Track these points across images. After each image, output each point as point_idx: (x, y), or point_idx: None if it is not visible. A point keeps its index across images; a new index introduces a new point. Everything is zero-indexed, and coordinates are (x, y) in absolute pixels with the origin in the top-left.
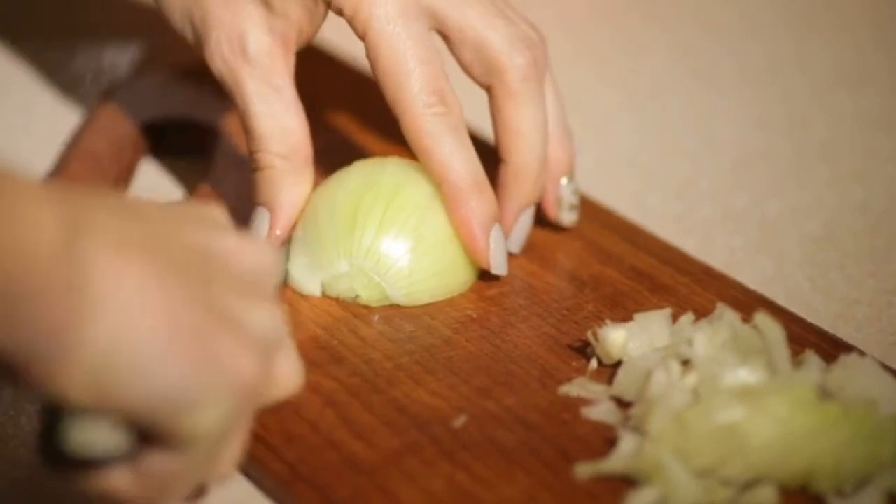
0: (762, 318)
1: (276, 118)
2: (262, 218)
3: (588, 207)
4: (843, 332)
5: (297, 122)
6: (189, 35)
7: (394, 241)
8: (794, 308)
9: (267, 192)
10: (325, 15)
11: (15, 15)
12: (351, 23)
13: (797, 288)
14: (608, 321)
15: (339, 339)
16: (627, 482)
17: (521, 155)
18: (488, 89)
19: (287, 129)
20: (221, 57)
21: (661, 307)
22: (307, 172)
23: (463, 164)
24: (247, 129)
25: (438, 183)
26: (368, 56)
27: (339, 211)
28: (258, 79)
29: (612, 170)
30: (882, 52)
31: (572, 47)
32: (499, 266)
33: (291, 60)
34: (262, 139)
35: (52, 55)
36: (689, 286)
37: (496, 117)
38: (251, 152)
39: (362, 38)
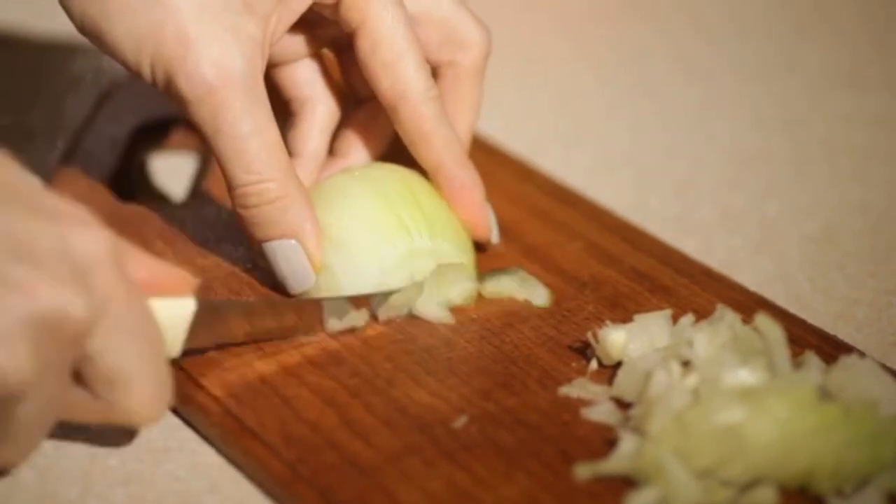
0: (762, 319)
1: (263, 135)
2: (294, 251)
3: (588, 208)
4: (843, 333)
5: (277, 132)
6: (146, 69)
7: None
8: (793, 308)
9: (286, 222)
10: (304, 9)
11: (15, 15)
12: (345, 12)
13: (797, 288)
14: (608, 322)
15: (339, 340)
16: (627, 483)
17: (471, 131)
18: (447, 65)
19: (274, 144)
20: (202, 80)
21: (660, 308)
22: (304, 186)
23: (458, 146)
24: (233, 156)
25: (434, 167)
26: (362, 44)
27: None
28: (245, 96)
29: (610, 170)
30: (881, 52)
31: (570, 48)
32: (497, 235)
33: (265, 64)
34: (256, 164)
35: (52, 56)
36: (689, 287)
37: (454, 92)
38: (243, 186)
39: (358, 26)
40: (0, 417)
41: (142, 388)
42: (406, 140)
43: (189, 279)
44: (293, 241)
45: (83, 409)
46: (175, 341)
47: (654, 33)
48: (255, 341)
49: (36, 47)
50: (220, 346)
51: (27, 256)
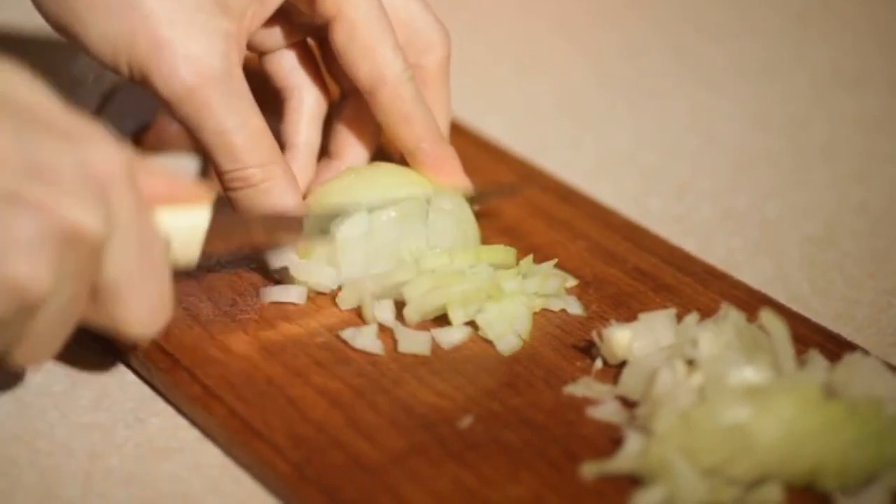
0: (767, 315)
1: (247, 126)
2: None
3: (590, 207)
4: (843, 333)
5: (262, 120)
6: (124, 69)
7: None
8: (793, 309)
9: (270, 204)
10: (279, 3)
11: (16, 15)
12: (320, 5)
13: (797, 289)
14: (612, 321)
15: (344, 340)
16: (633, 481)
17: (446, 130)
18: (412, 67)
19: (258, 132)
20: (179, 80)
21: (664, 307)
22: (288, 166)
23: (436, 125)
24: (218, 148)
25: (414, 146)
26: (339, 33)
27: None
28: (224, 92)
29: (611, 171)
30: (882, 53)
31: (572, 48)
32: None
33: (242, 57)
34: (241, 154)
35: (53, 56)
36: (692, 286)
37: (422, 94)
38: (229, 172)
39: (332, 16)
40: (21, 323)
41: (140, 303)
42: (385, 122)
43: (206, 190)
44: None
45: (92, 316)
46: (192, 251)
47: (656, 34)
48: (266, 249)
49: (37, 48)
50: (233, 261)
51: (45, 174)
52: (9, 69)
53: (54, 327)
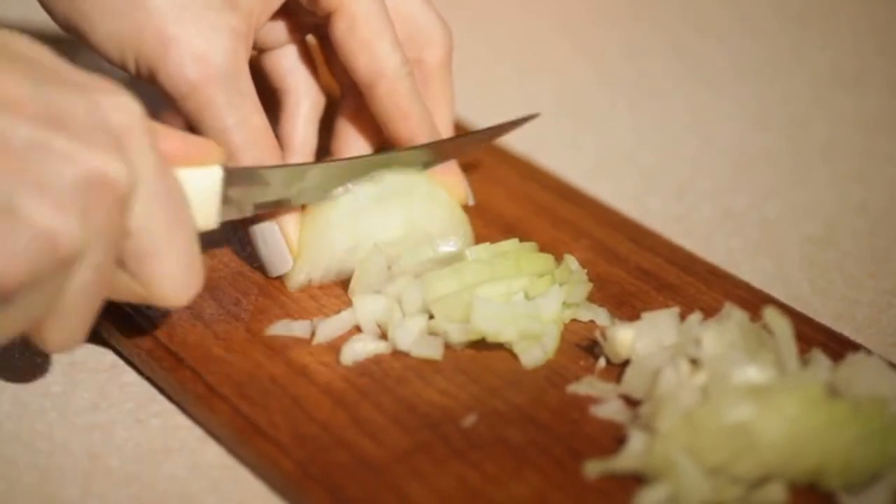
0: (771, 312)
1: (247, 125)
2: (272, 233)
3: (592, 206)
4: (843, 333)
5: (264, 119)
6: (131, 66)
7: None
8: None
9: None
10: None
11: (15, 16)
12: None
13: (797, 289)
14: (616, 320)
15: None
16: (637, 480)
17: (450, 125)
18: (414, 63)
19: (259, 131)
20: (184, 78)
21: (667, 306)
22: None
23: (431, 120)
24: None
25: (409, 141)
26: (339, 25)
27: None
28: (228, 90)
29: (611, 171)
30: (882, 53)
31: (572, 48)
32: (472, 198)
33: (249, 55)
34: (240, 153)
35: None
36: (695, 285)
37: (425, 90)
38: None
39: (333, 9)
40: (55, 284)
41: (172, 265)
42: (382, 117)
43: (217, 149)
44: (272, 224)
45: (124, 288)
46: (210, 211)
47: (657, 33)
48: (285, 204)
49: None
50: (255, 216)
51: (66, 126)
52: (10, 32)
53: (86, 295)
